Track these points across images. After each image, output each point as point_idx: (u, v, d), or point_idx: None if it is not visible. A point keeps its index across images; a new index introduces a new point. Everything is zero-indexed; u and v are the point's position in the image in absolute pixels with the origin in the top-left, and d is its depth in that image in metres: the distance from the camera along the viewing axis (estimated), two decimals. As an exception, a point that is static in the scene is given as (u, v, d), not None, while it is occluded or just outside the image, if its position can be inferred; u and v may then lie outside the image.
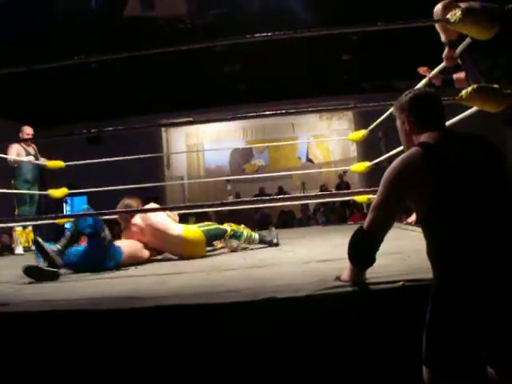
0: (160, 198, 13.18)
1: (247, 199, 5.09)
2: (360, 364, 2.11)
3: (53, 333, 2.24)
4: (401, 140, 2.17)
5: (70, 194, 6.59)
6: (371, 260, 2.17)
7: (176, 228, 4.35)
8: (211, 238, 4.47)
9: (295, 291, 2.24)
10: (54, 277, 3.45)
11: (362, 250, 2.17)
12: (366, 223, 2.07)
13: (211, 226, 4.54)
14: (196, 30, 9.90)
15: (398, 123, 2.14)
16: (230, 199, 10.53)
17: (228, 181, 14.85)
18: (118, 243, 4.07)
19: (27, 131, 6.60)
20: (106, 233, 3.86)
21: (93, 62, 8.66)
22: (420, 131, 2.00)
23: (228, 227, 4.55)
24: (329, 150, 17.05)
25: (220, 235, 4.52)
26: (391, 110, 2.29)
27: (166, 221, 4.38)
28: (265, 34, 3.35)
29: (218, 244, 4.69)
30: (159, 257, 4.54)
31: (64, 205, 12.94)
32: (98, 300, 2.47)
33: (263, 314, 2.15)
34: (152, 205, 4.54)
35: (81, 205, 13.28)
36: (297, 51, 10.32)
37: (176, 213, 4.67)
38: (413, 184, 1.86)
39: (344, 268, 2.31)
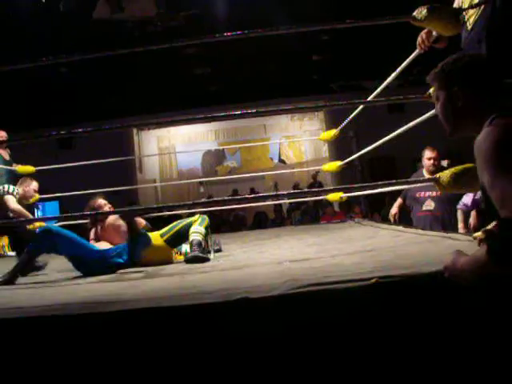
0: (135, 202, 13.06)
1: (219, 198, 5.02)
2: (333, 363, 2.12)
3: (14, 340, 2.19)
4: (442, 119, 1.77)
5: (41, 200, 6.45)
6: None
7: None
8: (175, 238, 4.21)
9: (268, 291, 2.24)
10: None
11: None
12: (504, 211, 1.46)
13: (176, 226, 4.26)
14: (166, 33, 9.85)
15: (442, 98, 1.72)
16: (204, 201, 10.44)
17: (201, 183, 14.89)
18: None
19: (1, 134, 5.88)
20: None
21: (60, 63, 8.57)
22: (484, 106, 1.60)
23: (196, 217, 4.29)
24: (301, 150, 17.13)
25: (185, 228, 4.20)
26: (360, 108, 2.29)
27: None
28: (233, 33, 3.35)
29: (177, 257, 4.33)
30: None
31: (35, 210, 12.69)
32: (60, 306, 2.37)
33: (236, 315, 2.15)
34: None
35: (53, 210, 13.04)
36: (267, 53, 10.37)
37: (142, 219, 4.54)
38: None
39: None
